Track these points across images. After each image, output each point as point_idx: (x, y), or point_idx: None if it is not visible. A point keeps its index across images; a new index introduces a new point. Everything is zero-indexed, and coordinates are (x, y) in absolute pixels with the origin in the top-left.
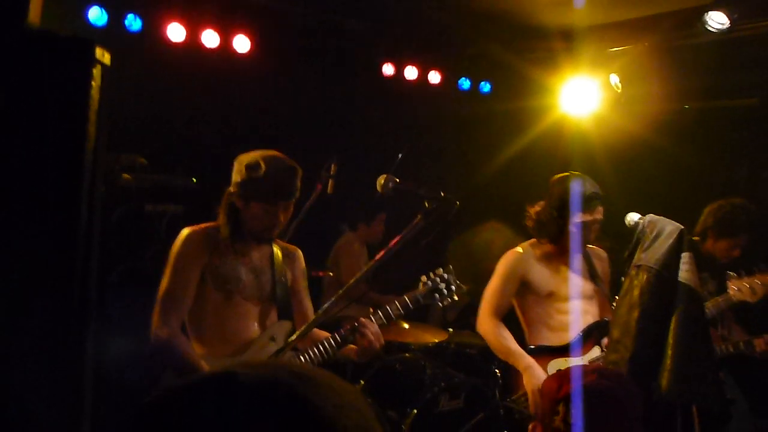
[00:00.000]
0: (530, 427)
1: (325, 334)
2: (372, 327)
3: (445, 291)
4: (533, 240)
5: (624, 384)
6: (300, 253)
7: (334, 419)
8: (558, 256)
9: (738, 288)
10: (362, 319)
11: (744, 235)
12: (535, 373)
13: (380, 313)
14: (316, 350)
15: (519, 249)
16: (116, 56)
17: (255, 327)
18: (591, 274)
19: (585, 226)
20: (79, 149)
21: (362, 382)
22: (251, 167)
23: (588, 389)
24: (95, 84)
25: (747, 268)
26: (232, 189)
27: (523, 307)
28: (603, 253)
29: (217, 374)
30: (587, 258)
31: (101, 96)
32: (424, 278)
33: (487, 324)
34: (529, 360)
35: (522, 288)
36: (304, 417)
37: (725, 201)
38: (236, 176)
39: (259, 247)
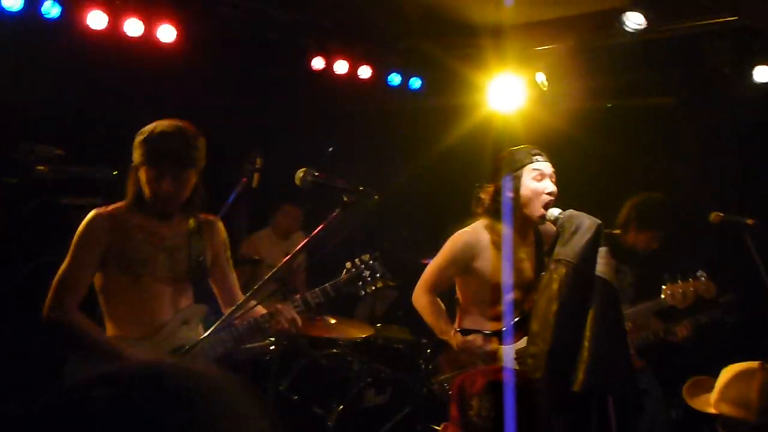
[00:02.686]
0: (441, 427)
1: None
2: (287, 313)
3: (369, 278)
4: (488, 221)
5: (531, 381)
6: (220, 223)
7: (197, 403)
8: (512, 238)
9: (672, 293)
10: (278, 306)
11: (664, 229)
12: (470, 348)
13: (299, 300)
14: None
15: (470, 233)
16: (33, 44)
17: (168, 308)
18: (538, 258)
19: (523, 197)
20: None
21: (289, 378)
22: (143, 132)
23: (499, 384)
24: None
25: (683, 273)
26: (133, 161)
27: (463, 288)
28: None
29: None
30: (539, 239)
31: None
32: (348, 264)
33: (422, 299)
34: (465, 338)
35: (466, 271)
36: (169, 402)
37: (648, 194)
38: (134, 145)
39: (172, 223)
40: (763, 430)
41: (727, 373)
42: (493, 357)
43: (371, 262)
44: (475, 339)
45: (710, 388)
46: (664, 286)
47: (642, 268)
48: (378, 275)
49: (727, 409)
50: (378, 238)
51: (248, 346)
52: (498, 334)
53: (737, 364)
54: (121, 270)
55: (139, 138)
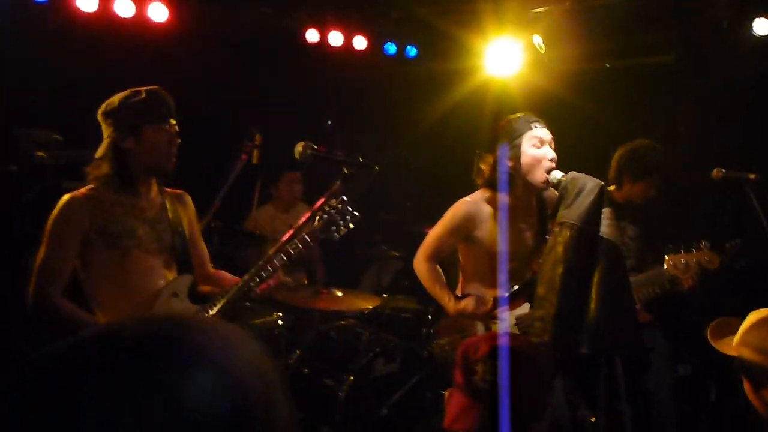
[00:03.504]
0: (446, 393)
1: (235, 279)
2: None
3: (341, 221)
4: (489, 192)
5: (535, 345)
6: (189, 196)
7: (221, 361)
8: (513, 208)
9: (674, 263)
10: (258, 265)
11: (658, 174)
12: (465, 313)
13: (281, 253)
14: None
15: (471, 202)
16: (25, 27)
17: (159, 281)
18: (541, 226)
19: (524, 165)
20: None
21: (298, 351)
22: (127, 97)
23: (502, 349)
24: None
25: (686, 243)
26: (113, 134)
27: (465, 256)
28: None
29: (97, 332)
30: (542, 205)
31: None
32: (319, 212)
33: (422, 265)
34: (458, 303)
35: (467, 240)
36: (189, 361)
37: (635, 143)
38: (112, 119)
39: (148, 197)
40: None
41: (752, 317)
42: (490, 315)
43: (340, 206)
44: (467, 303)
45: (735, 330)
46: (666, 256)
47: (643, 221)
48: (349, 217)
49: (746, 353)
50: (380, 208)
51: (257, 321)
52: (495, 301)
53: (764, 309)
54: (108, 246)
55: (116, 108)
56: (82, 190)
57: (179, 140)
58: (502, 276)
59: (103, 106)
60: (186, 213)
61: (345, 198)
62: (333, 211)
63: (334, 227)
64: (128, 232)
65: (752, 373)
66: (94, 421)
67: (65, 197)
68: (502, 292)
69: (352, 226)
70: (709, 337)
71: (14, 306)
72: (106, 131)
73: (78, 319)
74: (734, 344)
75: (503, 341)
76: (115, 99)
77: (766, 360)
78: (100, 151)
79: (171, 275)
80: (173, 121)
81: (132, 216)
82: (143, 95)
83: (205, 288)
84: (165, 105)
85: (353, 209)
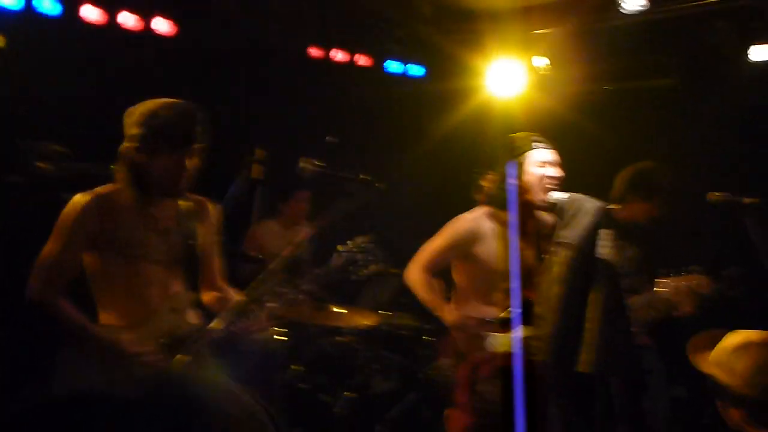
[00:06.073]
0: (446, 414)
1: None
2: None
3: (361, 262)
4: (489, 209)
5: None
6: (211, 205)
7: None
8: (512, 225)
9: (664, 286)
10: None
11: (663, 196)
12: (462, 326)
13: (291, 287)
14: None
15: (471, 219)
16: (32, 41)
17: (160, 294)
18: (537, 247)
19: (526, 183)
20: None
21: (296, 366)
22: (151, 116)
23: (506, 369)
24: None
25: (676, 269)
26: (129, 145)
27: (462, 274)
28: (550, 219)
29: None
30: (538, 228)
31: None
32: (339, 248)
33: (417, 275)
34: (457, 314)
35: (465, 257)
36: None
37: (641, 164)
38: (132, 129)
39: (164, 205)
40: (743, 402)
41: (729, 338)
42: (484, 339)
43: (364, 244)
44: (470, 320)
45: (714, 346)
46: (657, 280)
47: (644, 243)
48: (371, 259)
49: (717, 373)
50: (380, 226)
51: (255, 337)
52: (494, 321)
53: (743, 332)
54: (115, 253)
55: (139, 120)
56: (99, 189)
57: (195, 164)
58: (512, 294)
59: (130, 111)
60: (203, 223)
61: (375, 237)
62: (356, 249)
63: (352, 268)
64: (138, 242)
65: (720, 392)
66: None
67: (77, 196)
68: (512, 310)
69: (374, 268)
70: (688, 350)
71: (14, 316)
72: (125, 138)
73: (73, 320)
74: (708, 362)
75: (515, 363)
76: (139, 111)
77: (734, 382)
78: (119, 154)
79: (177, 286)
80: (197, 145)
81: (144, 225)
82: (162, 119)
83: (207, 297)
84: (184, 132)
85: (379, 250)
